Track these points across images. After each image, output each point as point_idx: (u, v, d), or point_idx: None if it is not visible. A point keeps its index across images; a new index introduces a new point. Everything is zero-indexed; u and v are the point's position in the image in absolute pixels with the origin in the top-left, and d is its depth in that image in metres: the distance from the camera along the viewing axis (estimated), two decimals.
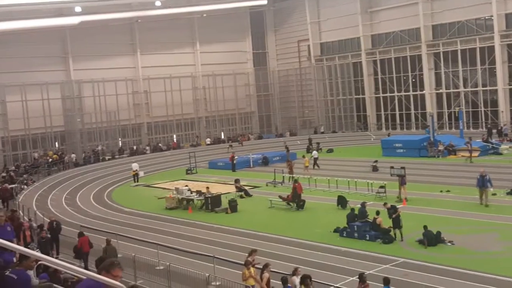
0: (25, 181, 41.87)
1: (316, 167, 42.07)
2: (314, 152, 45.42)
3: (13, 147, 52.23)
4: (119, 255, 20.82)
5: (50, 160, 49.62)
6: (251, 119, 67.94)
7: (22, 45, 50.44)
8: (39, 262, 11.15)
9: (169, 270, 18.40)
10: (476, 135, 48.90)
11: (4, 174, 45.37)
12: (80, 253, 20.71)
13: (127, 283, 6.45)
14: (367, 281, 15.27)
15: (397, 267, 19.62)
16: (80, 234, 21.52)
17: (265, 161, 48.31)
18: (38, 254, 6.32)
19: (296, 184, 30.66)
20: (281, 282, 15.13)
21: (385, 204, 24.56)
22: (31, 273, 10.10)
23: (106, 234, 25.75)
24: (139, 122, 59.44)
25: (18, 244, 13.41)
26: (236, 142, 58.46)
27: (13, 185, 39.92)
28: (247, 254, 17.65)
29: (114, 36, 56.55)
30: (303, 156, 43.47)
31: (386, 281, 15.13)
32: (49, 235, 21.80)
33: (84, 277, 5.71)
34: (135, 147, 56.29)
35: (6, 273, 8.80)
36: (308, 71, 66.43)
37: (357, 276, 15.60)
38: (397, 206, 24.21)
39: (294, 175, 38.32)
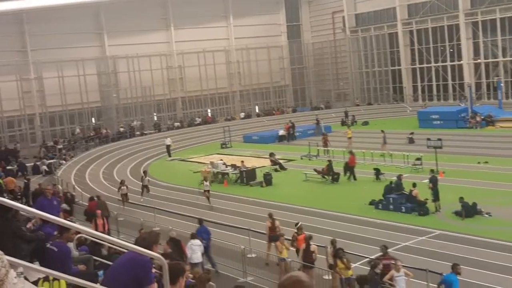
0: (63, 156, 42.76)
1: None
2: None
3: (51, 123, 53.27)
4: (156, 228, 21.23)
5: (89, 135, 50.62)
6: (286, 92, 67.58)
7: (57, 22, 51.01)
8: (79, 235, 11.45)
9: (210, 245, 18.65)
10: None
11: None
12: (91, 215, 21.83)
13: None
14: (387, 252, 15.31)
15: (434, 239, 19.50)
16: (91, 199, 23.76)
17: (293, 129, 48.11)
18: (78, 226, 6.47)
19: (350, 156, 30.52)
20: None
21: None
22: (72, 245, 10.39)
23: (143, 207, 26.40)
24: (174, 97, 59.77)
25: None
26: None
27: (51, 161, 40.88)
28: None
29: (148, 11, 56.66)
30: (349, 127, 43.41)
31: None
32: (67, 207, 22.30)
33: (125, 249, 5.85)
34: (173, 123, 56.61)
35: (47, 246, 9.08)
36: (343, 43, 65.54)
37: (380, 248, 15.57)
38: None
39: (328, 148, 38.22)
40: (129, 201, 27.93)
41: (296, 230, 17.65)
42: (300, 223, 18.22)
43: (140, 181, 30.93)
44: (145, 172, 31.44)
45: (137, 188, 30.80)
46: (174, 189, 32.10)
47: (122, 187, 28.26)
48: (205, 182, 27.62)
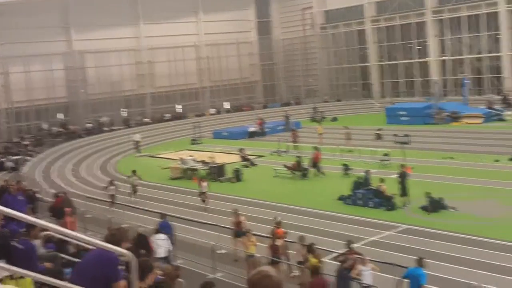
0: (29, 153, 42.03)
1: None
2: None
3: (17, 118, 52.32)
4: (125, 225, 21.06)
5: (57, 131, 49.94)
6: (255, 88, 67.62)
7: (23, 16, 50.08)
8: (46, 232, 11.30)
9: (174, 239, 18.58)
10: (480, 102, 48.89)
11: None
12: (56, 212, 21.53)
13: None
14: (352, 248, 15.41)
15: (401, 234, 19.79)
16: (56, 195, 23.64)
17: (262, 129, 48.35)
18: (44, 222, 6.39)
19: (315, 152, 30.84)
20: None
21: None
22: (38, 242, 10.25)
23: (111, 204, 26.14)
24: (143, 92, 59.27)
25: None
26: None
27: (17, 157, 40.13)
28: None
29: (117, 6, 55.95)
30: (319, 124, 43.73)
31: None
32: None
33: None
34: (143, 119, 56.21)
35: (12, 243, 8.94)
36: (312, 40, 65.80)
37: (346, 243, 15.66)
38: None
39: (298, 144, 38.42)
40: (116, 201, 26.46)
41: (275, 224, 17.63)
42: (279, 217, 18.31)
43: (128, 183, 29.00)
44: (134, 171, 28.88)
45: (106, 184, 30.41)
46: (143, 185, 31.79)
47: (111, 187, 26.44)
48: (202, 184, 25.78)
